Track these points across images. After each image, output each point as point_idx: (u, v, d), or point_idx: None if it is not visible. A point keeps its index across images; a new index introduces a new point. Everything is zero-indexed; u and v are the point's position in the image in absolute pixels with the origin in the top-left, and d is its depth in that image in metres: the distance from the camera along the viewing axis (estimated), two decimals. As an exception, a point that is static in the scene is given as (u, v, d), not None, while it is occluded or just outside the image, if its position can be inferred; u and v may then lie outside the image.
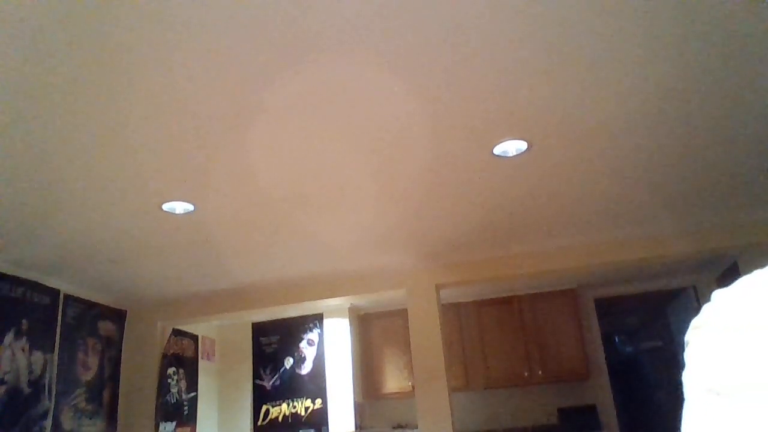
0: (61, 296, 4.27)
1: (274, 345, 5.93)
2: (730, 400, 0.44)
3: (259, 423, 5.74)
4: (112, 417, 4.70)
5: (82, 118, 2.26)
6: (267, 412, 5.75)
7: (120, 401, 4.80)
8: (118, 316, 4.94)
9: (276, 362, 5.87)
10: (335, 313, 5.80)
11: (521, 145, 2.81)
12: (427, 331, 4.64)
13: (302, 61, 2.04)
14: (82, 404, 4.36)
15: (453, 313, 5.98)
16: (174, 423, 5.12)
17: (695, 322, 0.51)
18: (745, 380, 0.43)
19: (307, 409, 5.63)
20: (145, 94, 2.15)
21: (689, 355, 0.50)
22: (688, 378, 0.49)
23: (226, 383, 6.03)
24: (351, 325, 5.82)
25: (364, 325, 6.10)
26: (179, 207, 3.18)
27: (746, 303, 0.47)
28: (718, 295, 0.50)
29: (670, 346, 7.06)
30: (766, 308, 0.45)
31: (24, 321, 3.87)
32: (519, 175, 3.15)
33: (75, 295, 4.42)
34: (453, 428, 4.41)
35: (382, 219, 3.65)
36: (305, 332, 5.85)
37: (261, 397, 5.81)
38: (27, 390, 3.82)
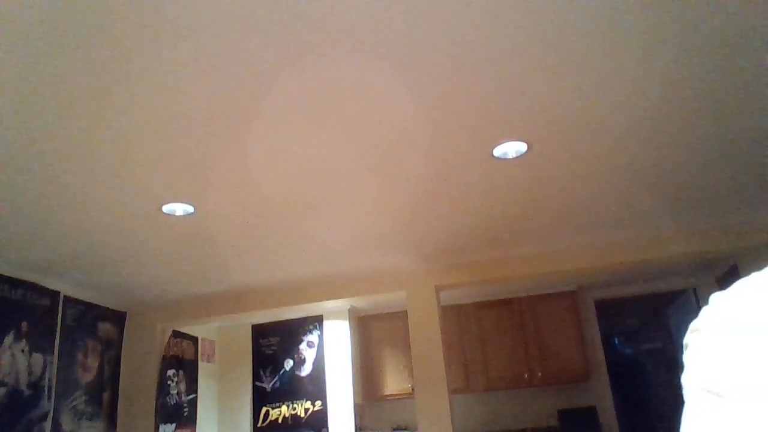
0: (61, 298, 4.26)
1: (273, 347, 5.93)
2: (730, 400, 0.44)
3: (259, 425, 5.74)
4: (111, 419, 4.69)
5: (82, 119, 2.26)
6: (267, 413, 5.75)
7: (120, 403, 4.80)
8: (117, 317, 4.94)
9: (276, 364, 5.87)
10: (335, 314, 5.80)
11: (521, 147, 2.81)
12: (427, 333, 4.63)
13: (302, 62, 2.04)
14: (82, 406, 4.36)
15: (453, 315, 5.97)
16: (174, 425, 5.12)
17: (694, 325, 0.51)
18: (745, 381, 0.43)
19: (307, 410, 5.63)
20: (145, 95, 2.15)
21: (688, 358, 0.50)
22: (687, 380, 0.49)
23: (226, 385, 6.02)
24: (351, 326, 5.81)
25: (364, 326, 6.09)
26: (179, 208, 3.18)
27: (744, 305, 0.47)
28: (716, 297, 0.50)
29: (670, 348, 7.06)
30: (763, 309, 0.45)
31: (24, 323, 3.87)
32: (519, 176, 3.15)
33: (75, 297, 4.42)
34: (453, 430, 4.41)
35: (381, 220, 3.65)
36: (305, 334, 5.85)
37: (261, 398, 5.81)
38: (27, 392, 3.82)
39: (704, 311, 0.50)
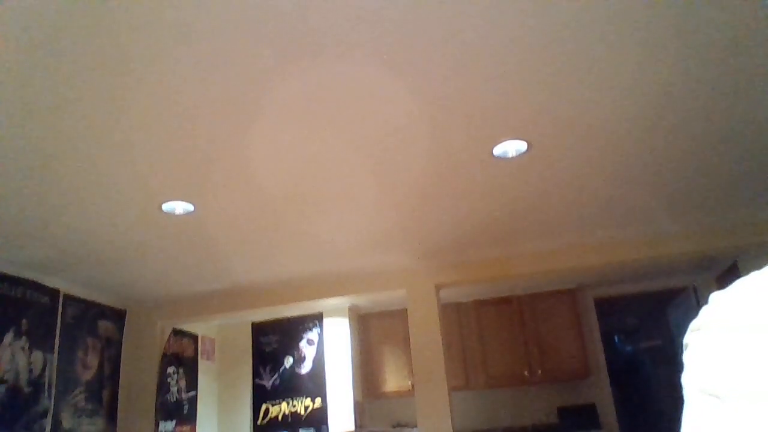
0: (61, 296, 4.27)
1: (273, 344, 5.93)
2: (730, 402, 0.44)
3: (259, 422, 5.74)
4: (111, 416, 4.70)
5: (82, 118, 2.26)
6: (267, 411, 5.75)
7: (120, 400, 4.80)
8: (117, 315, 4.94)
9: (276, 361, 5.87)
10: (335, 312, 5.80)
11: (521, 146, 2.81)
12: (427, 331, 4.64)
13: (302, 61, 2.04)
14: (82, 403, 4.37)
15: (453, 313, 5.97)
16: (174, 422, 5.13)
17: (693, 325, 0.51)
18: (745, 383, 0.43)
19: (306, 408, 5.64)
20: (145, 94, 2.14)
21: (688, 358, 0.50)
22: (687, 380, 0.49)
23: (226, 382, 6.03)
24: (351, 324, 5.82)
25: (364, 324, 6.10)
26: (179, 207, 3.18)
27: (744, 304, 0.47)
28: (716, 297, 0.50)
29: (669, 346, 7.07)
30: (763, 309, 0.45)
31: (24, 320, 3.87)
32: (519, 175, 3.15)
33: (75, 295, 4.42)
34: (453, 427, 4.41)
35: (381, 219, 3.65)
36: (305, 332, 5.85)
37: (261, 396, 5.81)
38: (27, 389, 3.83)
39: (704, 311, 0.50)
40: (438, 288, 4.78)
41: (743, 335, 0.45)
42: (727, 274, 5.46)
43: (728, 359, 0.45)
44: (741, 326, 0.46)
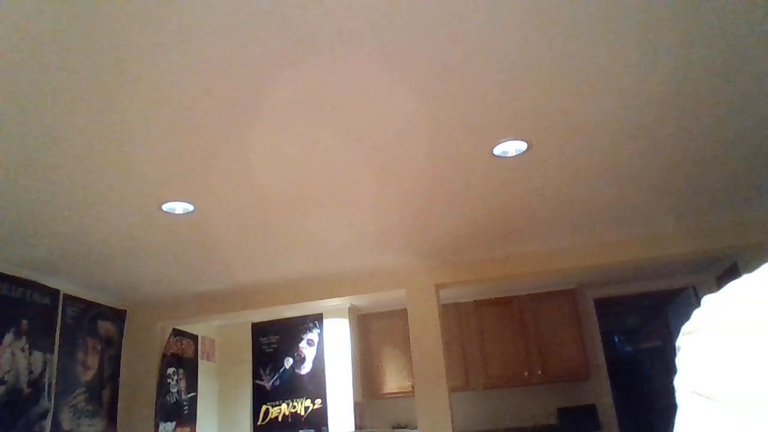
0: (61, 296, 4.26)
1: (273, 345, 5.93)
2: (723, 404, 0.44)
3: (259, 423, 5.74)
4: (111, 417, 4.70)
5: (82, 118, 2.26)
6: (267, 412, 5.75)
7: (120, 401, 4.80)
8: (117, 316, 4.94)
9: (276, 362, 5.87)
10: (335, 313, 5.80)
11: (521, 146, 2.81)
12: (427, 331, 4.64)
13: (302, 61, 2.04)
14: (82, 404, 4.37)
15: (453, 313, 5.98)
16: (174, 423, 5.12)
17: (686, 328, 0.50)
18: (738, 384, 0.43)
19: (306, 409, 5.63)
20: (145, 94, 2.15)
21: (681, 360, 0.50)
22: (680, 383, 0.49)
23: (226, 383, 6.03)
24: (351, 325, 5.82)
25: (364, 325, 6.10)
26: (179, 207, 3.18)
27: (736, 307, 0.47)
28: (709, 299, 0.50)
29: (669, 346, 7.07)
30: (755, 311, 0.45)
31: (24, 321, 3.87)
32: (519, 175, 3.15)
33: (75, 295, 4.42)
34: (453, 428, 4.41)
35: (381, 219, 3.65)
36: (305, 332, 5.85)
37: (261, 397, 5.81)
38: (26, 390, 3.82)
39: (696, 314, 0.50)
40: (438, 288, 4.78)
41: (736, 338, 0.45)
42: (727, 274, 5.45)
43: (720, 361, 0.45)
44: (733, 328, 0.45)
